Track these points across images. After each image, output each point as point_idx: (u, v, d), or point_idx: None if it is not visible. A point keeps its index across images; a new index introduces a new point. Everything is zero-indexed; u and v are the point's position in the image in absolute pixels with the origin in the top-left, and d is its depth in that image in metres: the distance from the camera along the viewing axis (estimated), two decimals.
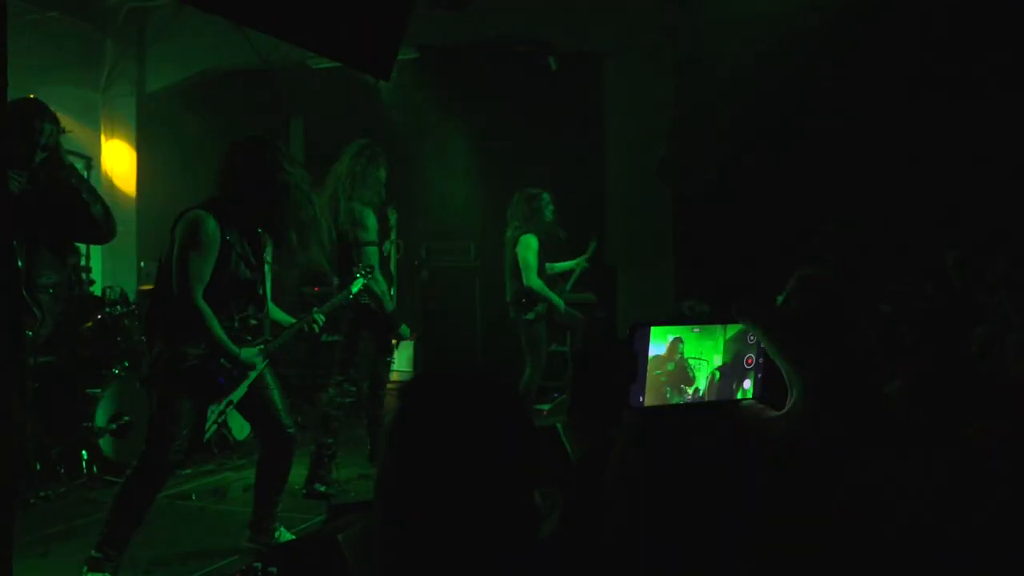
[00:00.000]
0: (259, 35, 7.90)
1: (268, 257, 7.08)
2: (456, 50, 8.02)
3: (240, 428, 5.99)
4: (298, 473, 5.35)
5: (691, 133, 7.13)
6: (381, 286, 5.07)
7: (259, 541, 4.02)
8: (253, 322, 3.93)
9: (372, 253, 5.03)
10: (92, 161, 7.54)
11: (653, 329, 0.97)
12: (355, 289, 4.69)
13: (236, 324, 3.84)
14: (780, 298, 3.21)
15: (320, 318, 4.26)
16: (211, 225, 3.65)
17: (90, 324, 5.91)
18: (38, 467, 4.99)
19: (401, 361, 8.90)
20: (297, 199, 3.84)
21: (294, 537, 4.09)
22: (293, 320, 4.25)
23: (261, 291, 3.96)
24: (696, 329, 0.99)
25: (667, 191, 7.36)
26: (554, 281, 6.32)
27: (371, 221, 5.10)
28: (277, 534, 4.08)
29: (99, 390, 5.43)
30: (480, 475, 1.21)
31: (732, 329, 1.01)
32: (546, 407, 6.38)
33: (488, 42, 7.86)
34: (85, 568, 3.63)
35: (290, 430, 4.03)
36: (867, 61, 6.35)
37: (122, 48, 8.55)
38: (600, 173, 7.87)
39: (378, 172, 5.23)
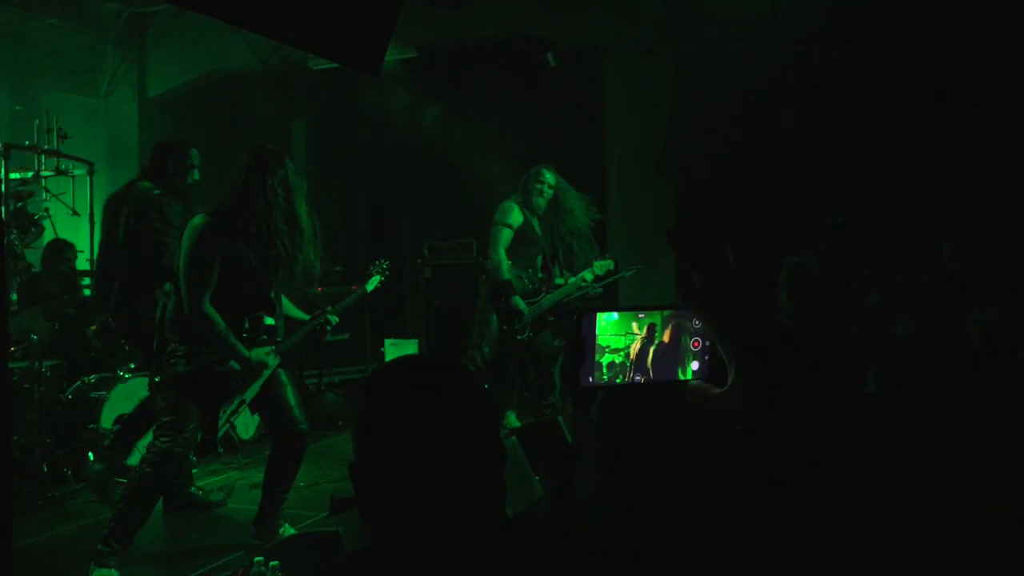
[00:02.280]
0: (259, 38, 7.95)
1: None
2: (455, 48, 8.05)
3: (245, 428, 6.02)
4: (303, 471, 5.39)
5: (691, 127, 7.13)
6: (493, 263, 5.91)
7: (264, 538, 4.05)
8: (269, 322, 3.98)
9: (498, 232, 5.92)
10: (95, 167, 7.57)
11: (599, 315, 1.07)
12: (370, 288, 4.71)
13: (247, 326, 3.88)
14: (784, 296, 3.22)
15: (334, 318, 4.30)
16: (213, 230, 3.72)
17: (95, 327, 5.96)
18: (45, 469, 5.04)
19: None
20: (281, 203, 3.82)
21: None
22: (307, 316, 4.29)
23: (272, 294, 4.00)
24: (642, 315, 1.08)
25: (668, 185, 7.36)
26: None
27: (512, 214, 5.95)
28: (282, 531, 4.11)
29: (104, 392, 5.47)
30: (445, 455, 1.25)
31: (668, 312, 1.10)
32: (554, 399, 6.38)
33: (487, 40, 7.88)
34: (93, 564, 3.68)
35: (303, 427, 4.08)
36: (867, 54, 6.34)
37: (123, 54, 8.61)
38: (600, 168, 7.89)
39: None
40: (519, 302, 5.83)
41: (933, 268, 5.30)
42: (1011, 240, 5.35)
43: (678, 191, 7.34)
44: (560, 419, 4.79)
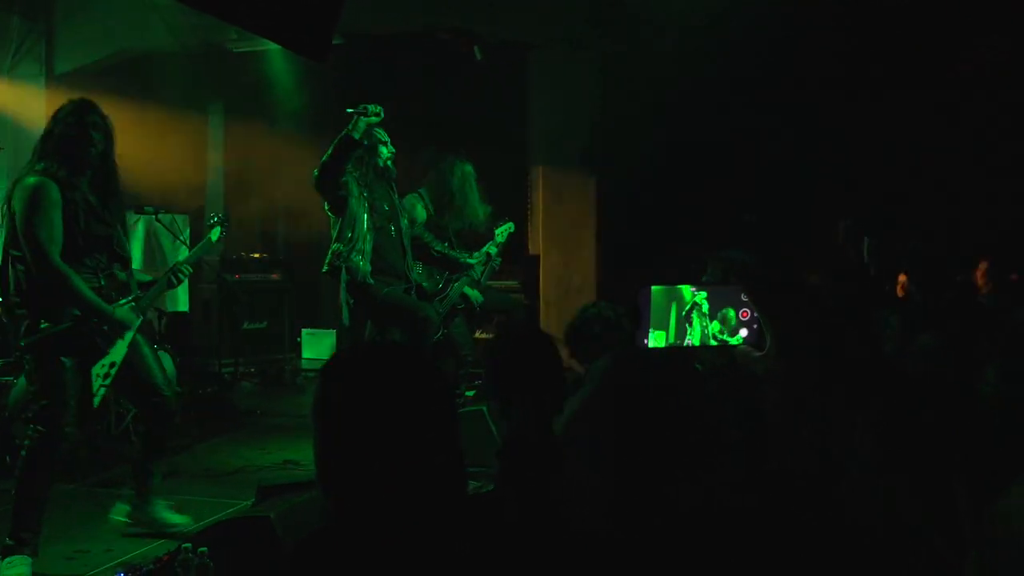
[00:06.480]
0: (175, 17, 7.71)
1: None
2: (381, 38, 7.99)
3: None
4: (227, 459, 5.32)
5: (616, 123, 7.27)
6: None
7: (136, 518, 3.99)
8: (122, 276, 3.89)
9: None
10: None
11: (653, 288, 1.26)
12: (214, 238, 4.64)
13: (103, 282, 3.79)
14: (704, 277, 3.36)
15: (186, 269, 4.24)
16: (48, 186, 3.60)
17: None
18: None
19: (323, 350, 8.84)
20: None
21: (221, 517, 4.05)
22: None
23: (120, 248, 3.91)
24: (694, 289, 1.26)
25: (591, 180, 7.49)
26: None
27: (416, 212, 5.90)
28: (157, 512, 4.03)
29: (11, 378, 5.24)
30: (403, 429, 1.32)
31: (718, 287, 1.28)
32: (471, 393, 6.42)
33: (413, 31, 7.86)
34: (2, 556, 3.54)
35: (166, 392, 4.02)
36: (794, 55, 6.58)
37: (29, 26, 8.22)
38: (525, 162, 7.96)
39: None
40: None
41: (845, 263, 5.57)
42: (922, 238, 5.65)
43: (602, 186, 7.49)
44: (484, 409, 4.83)
